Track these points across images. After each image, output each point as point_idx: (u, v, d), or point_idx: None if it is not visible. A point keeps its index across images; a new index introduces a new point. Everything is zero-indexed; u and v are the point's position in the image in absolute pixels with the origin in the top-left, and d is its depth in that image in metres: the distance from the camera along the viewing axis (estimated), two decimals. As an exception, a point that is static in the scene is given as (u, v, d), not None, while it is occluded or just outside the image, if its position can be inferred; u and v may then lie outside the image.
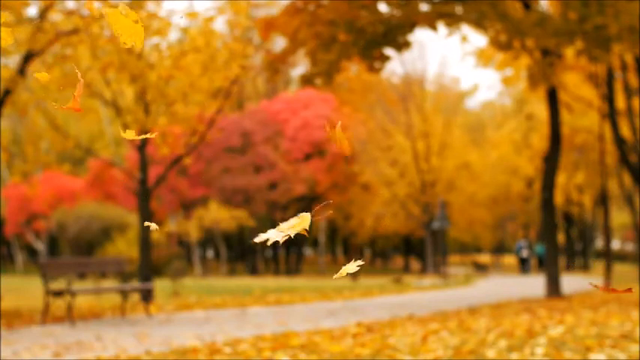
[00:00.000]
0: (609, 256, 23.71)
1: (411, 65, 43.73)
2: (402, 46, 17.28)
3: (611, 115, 21.44)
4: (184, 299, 17.58)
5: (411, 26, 16.73)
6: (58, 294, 11.90)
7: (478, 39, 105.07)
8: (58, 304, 12.77)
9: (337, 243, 59.21)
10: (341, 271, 1.80)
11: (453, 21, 16.79)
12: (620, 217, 55.19)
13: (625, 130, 23.48)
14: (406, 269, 50.04)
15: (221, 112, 17.57)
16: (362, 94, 44.37)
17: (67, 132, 19.34)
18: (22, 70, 13.41)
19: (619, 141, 21.09)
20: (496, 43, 17.30)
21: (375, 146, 41.54)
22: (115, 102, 15.75)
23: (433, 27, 16.63)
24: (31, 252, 49.05)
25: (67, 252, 37.07)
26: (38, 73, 1.66)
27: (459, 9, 16.32)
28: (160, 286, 19.69)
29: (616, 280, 24.93)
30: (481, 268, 46.66)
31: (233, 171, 41.07)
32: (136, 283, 14.99)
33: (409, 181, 41.56)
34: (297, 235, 1.80)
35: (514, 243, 52.02)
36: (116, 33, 1.73)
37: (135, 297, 14.94)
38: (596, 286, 1.89)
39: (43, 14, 13.00)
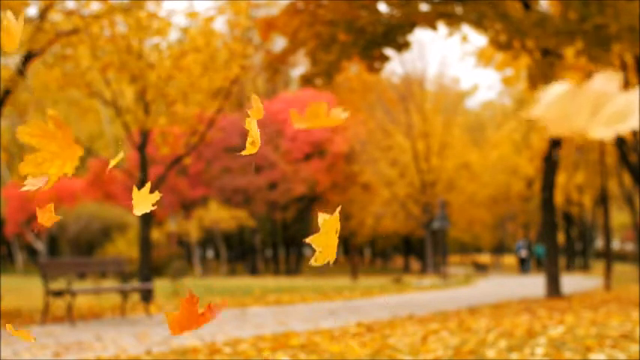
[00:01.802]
0: (609, 256, 23.68)
1: (411, 65, 43.80)
2: (401, 46, 17.27)
3: (611, 115, 21.41)
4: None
5: (411, 26, 16.72)
6: (58, 294, 11.90)
7: (478, 39, 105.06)
8: (58, 304, 12.77)
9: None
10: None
11: (453, 21, 16.78)
12: (620, 217, 55.21)
13: (625, 130, 23.45)
14: (406, 269, 50.03)
15: (221, 112, 17.57)
16: (362, 94, 44.35)
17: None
18: (22, 70, 13.41)
19: (619, 141, 21.08)
20: (496, 43, 17.29)
21: (375, 146, 41.53)
22: (115, 102, 15.75)
23: (433, 27, 16.62)
24: (31, 252, 49.04)
25: (67, 252, 37.06)
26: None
27: (459, 9, 16.31)
28: (160, 286, 19.69)
29: (616, 280, 24.93)
30: (481, 268, 46.64)
31: (233, 171, 41.08)
32: (136, 283, 14.99)
33: (409, 181, 41.56)
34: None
35: (514, 243, 52.00)
36: None
37: (135, 297, 14.94)
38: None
39: (43, 14, 12.99)
